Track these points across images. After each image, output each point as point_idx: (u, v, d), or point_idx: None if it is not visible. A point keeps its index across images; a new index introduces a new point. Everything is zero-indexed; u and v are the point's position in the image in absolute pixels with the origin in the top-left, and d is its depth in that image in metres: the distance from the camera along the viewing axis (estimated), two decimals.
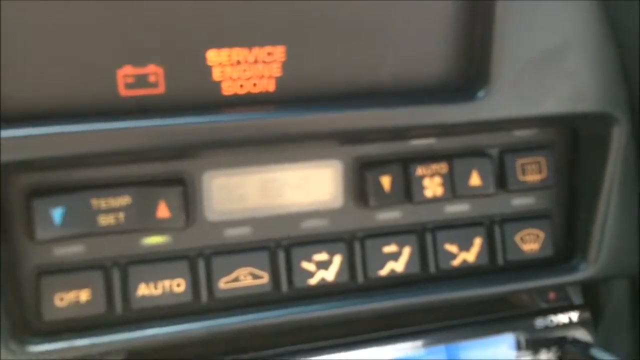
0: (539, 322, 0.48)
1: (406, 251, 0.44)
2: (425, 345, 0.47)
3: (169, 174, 0.40)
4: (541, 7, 0.40)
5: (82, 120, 0.35)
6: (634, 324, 0.50)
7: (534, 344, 0.49)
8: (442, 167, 0.44)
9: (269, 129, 0.37)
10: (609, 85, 0.42)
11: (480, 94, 0.40)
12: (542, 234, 0.46)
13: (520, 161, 0.45)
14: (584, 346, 0.48)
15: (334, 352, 0.46)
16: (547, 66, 0.41)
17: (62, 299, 0.38)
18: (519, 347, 0.48)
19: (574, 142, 0.47)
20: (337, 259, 0.43)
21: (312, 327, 0.44)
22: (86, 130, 0.35)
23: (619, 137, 0.44)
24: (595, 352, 0.47)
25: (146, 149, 0.36)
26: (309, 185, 0.42)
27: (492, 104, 0.40)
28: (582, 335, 0.50)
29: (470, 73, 0.41)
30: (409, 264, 0.44)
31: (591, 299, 0.51)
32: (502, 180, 0.45)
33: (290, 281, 0.42)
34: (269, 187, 0.42)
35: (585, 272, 0.46)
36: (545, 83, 0.41)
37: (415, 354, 0.47)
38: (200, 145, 0.37)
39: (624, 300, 0.51)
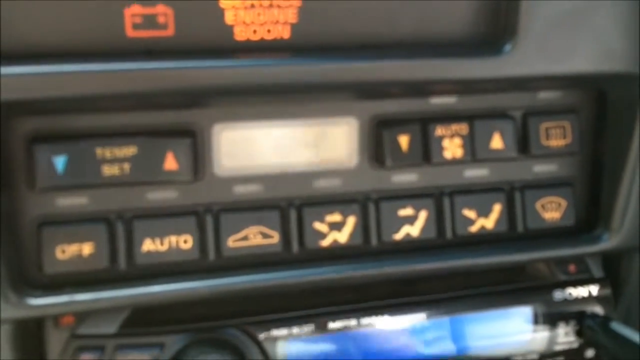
0: (558, 294, 0.47)
1: (422, 215, 0.42)
2: (435, 315, 0.45)
3: (178, 125, 0.38)
4: None
5: (86, 60, 0.33)
6: None
7: (551, 318, 0.47)
8: (463, 127, 0.42)
9: (282, 77, 0.36)
10: (637, 45, 0.40)
11: (507, 48, 0.38)
12: (564, 202, 0.44)
13: (544, 125, 0.43)
14: (604, 320, 0.46)
15: (345, 319, 0.44)
16: (576, 22, 0.39)
17: (63, 252, 0.37)
18: (535, 320, 0.47)
19: (600, 107, 0.45)
20: (351, 221, 0.41)
21: (325, 290, 0.42)
22: (90, 71, 0.33)
23: None
24: (616, 326, 0.45)
25: (152, 93, 0.34)
26: (323, 143, 0.41)
27: (519, 60, 0.38)
28: (602, 310, 0.48)
29: (496, 26, 0.39)
30: (425, 228, 0.42)
31: (612, 272, 0.49)
32: (524, 145, 0.44)
33: (301, 242, 0.41)
34: (281, 144, 0.40)
35: (607, 243, 0.44)
36: (573, 40, 0.39)
37: (423, 323, 0.45)
38: (208, 91, 0.35)
39: None
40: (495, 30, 0.39)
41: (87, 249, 0.37)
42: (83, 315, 0.40)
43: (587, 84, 0.43)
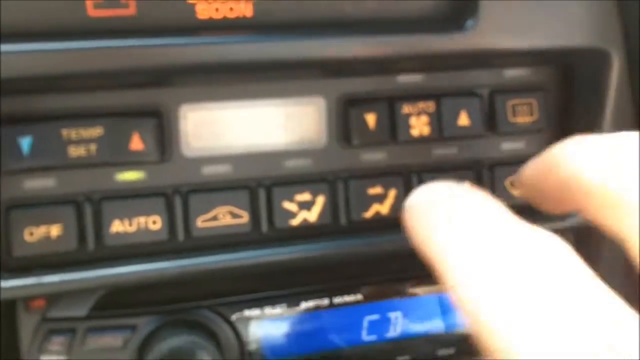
0: None
1: (392, 193, 0.42)
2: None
3: (144, 106, 0.38)
4: None
5: (46, 39, 0.33)
6: (628, 275, 0.49)
7: None
8: (429, 105, 0.42)
9: (245, 54, 0.36)
10: (603, 19, 0.41)
11: (469, 23, 0.38)
12: None
13: (511, 102, 0.44)
14: None
15: (317, 298, 0.44)
16: None
17: (32, 234, 0.37)
18: None
19: (568, 84, 0.45)
20: (320, 200, 0.41)
21: (297, 269, 0.42)
22: (51, 50, 0.33)
23: (614, 77, 0.42)
24: None
25: (115, 71, 0.34)
26: (291, 123, 0.41)
27: (481, 35, 0.39)
28: None
29: (459, 2, 0.39)
30: (394, 206, 0.43)
31: (584, 250, 0.49)
32: (491, 122, 0.44)
33: (270, 221, 0.41)
34: (249, 124, 0.40)
35: (577, 218, 0.45)
36: (537, 15, 0.40)
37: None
38: (171, 69, 0.35)
39: (619, 252, 0.49)
40: (458, 5, 0.39)
41: (55, 230, 0.37)
42: (54, 298, 0.40)
43: (553, 60, 0.43)
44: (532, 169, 0.30)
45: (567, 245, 0.24)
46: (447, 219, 0.27)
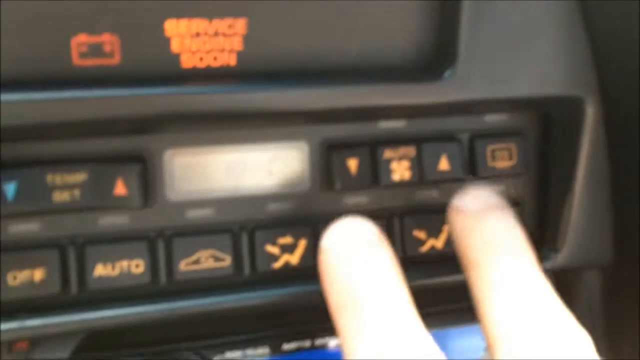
0: None
1: None
2: None
3: (129, 151, 0.39)
4: None
5: (32, 88, 0.34)
6: (605, 316, 0.50)
7: None
8: (411, 150, 0.43)
9: (229, 103, 0.37)
10: (578, 68, 0.42)
11: (447, 74, 0.39)
12: None
13: (490, 147, 0.45)
14: None
15: (299, 340, 0.44)
16: (516, 48, 0.40)
17: (15, 278, 0.37)
18: None
19: (546, 129, 0.46)
20: (302, 243, 0.42)
21: (279, 312, 0.43)
22: (37, 99, 0.34)
23: (589, 123, 0.43)
24: None
25: (100, 120, 0.35)
26: (274, 167, 0.42)
27: (459, 85, 0.39)
28: None
29: (438, 53, 0.40)
30: None
31: (563, 291, 0.50)
32: (471, 167, 0.44)
33: (253, 264, 0.41)
34: (233, 168, 0.41)
35: (554, 261, 0.46)
36: (513, 65, 0.41)
37: None
38: (156, 118, 0.36)
39: (596, 293, 0.50)
40: (437, 56, 0.40)
41: (39, 274, 0.38)
42: (37, 340, 0.40)
43: (531, 107, 0.44)
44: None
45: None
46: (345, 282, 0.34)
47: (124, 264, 0.39)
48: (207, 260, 0.40)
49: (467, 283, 0.36)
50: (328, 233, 0.36)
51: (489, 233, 0.35)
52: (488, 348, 0.33)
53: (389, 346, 0.31)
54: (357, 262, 0.34)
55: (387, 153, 0.42)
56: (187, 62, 0.37)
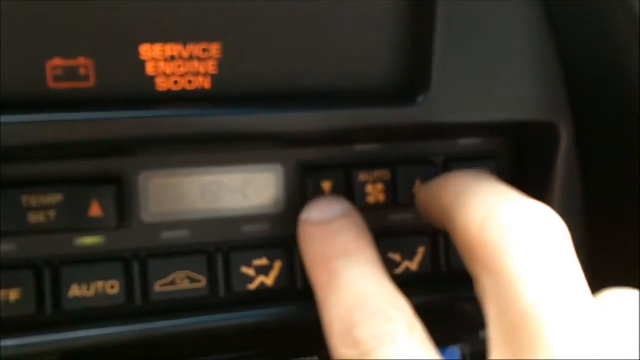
0: (483, 333, 0.47)
1: None
2: None
3: (104, 173, 0.39)
4: (483, 11, 0.40)
5: (7, 111, 0.34)
6: None
7: (479, 357, 0.48)
8: (385, 174, 0.43)
9: (205, 126, 0.37)
10: (551, 94, 0.42)
11: (421, 99, 0.40)
12: None
13: None
14: None
15: None
16: (489, 74, 0.41)
17: None
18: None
19: (520, 153, 0.47)
20: (277, 265, 0.42)
21: (253, 333, 0.43)
22: (12, 122, 0.34)
23: (563, 147, 0.44)
24: None
25: (74, 143, 0.35)
26: (249, 189, 0.42)
27: (432, 109, 0.40)
28: None
29: (411, 77, 0.41)
30: None
31: None
32: None
33: (228, 286, 0.42)
34: (208, 190, 0.41)
35: None
36: (486, 90, 0.41)
37: None
38: (130, 141, 0.36)
39: None
40: (410, 80, 0.41)
41: (14, 295, 0.38)
42: None
43: (504, 131, 0.45)
44: (423, 195, 0.40)
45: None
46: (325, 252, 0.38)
47: (99, 284, 0.39)
48: (182, 281, 0.40)
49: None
50: (305, 208, 0.40)
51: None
52: None
53: (360, 298, 0.34)
54: (329, 227, 0.38)
55: (362, 176, 0.43)
56: (162, 85, 0.37)
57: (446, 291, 0.45)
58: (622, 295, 0.33)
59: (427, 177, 0.44)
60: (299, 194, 0.42)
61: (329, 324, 0.35)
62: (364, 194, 0.43)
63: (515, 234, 0.31)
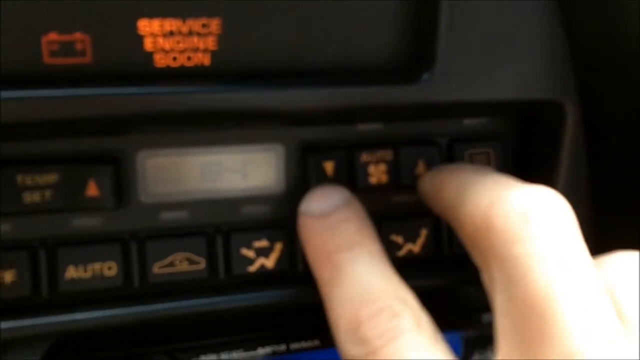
0: (486, 317, 0.47)
1: None
2: None
3: (101, 152, 0.38)
4: None
5: (2, 87, 0.33)
6: None
7: (481, 341, 0.47)
8: (388, 154, 0.42)
9: (204, 104, 0.36)
10: (557, 73, 0.42)
11: (425, 76, 0.39)
12: None
13: (469, 151, 0.44)
14: None
15: (274, 344, 0.44)
16: (495, 51, 0.40)
17: None
18: (466, 344, 0.47)
19: (524, 135, 0.46)
20: (278, 246, 0.42)
21: (253, 315, 0.42)
22: (6, 98, 0.33)
23: (568, 128, 0.43)
24: None
25: (71, 120, 0.34)
26: (249, 169, 0.41)
27: (437, 87, 0.39)
28: None
29: (415, 54, 0.40)
30: None
31: None
32: None
33: (228, 268, 0.41)
34: (207, 170, 0.40)
35: None
36: (492, 68, 0.40)
37: None
38: (128, 118, 0.35)
39: None
40: (415, 58, 0.40)
41: (9, 276, 0.37)
42: (6, 344, 0.39)
43: (510, 110, 0.44)
44: (426, 186, 0.40)
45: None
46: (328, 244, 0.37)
47: (97, 266, 0.38)
48: (181, 263, 0.40)
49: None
50: (304, 199, 0.39)
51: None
52: None
53: (365, 293, 0.34)
54: (330, 219, 0.38)
55: (365, 156, 0.42)
56: (161, 61, 0.36)
57: (449, 274, 0.44)
58: (623, 257, 0.33)
59: (430, 159, 0.43)
60: (300, 175, 0.42)
61: (335, 321, 0.35)
62: (366, 175, 0.42)
63: (522, 219, 0.31)
